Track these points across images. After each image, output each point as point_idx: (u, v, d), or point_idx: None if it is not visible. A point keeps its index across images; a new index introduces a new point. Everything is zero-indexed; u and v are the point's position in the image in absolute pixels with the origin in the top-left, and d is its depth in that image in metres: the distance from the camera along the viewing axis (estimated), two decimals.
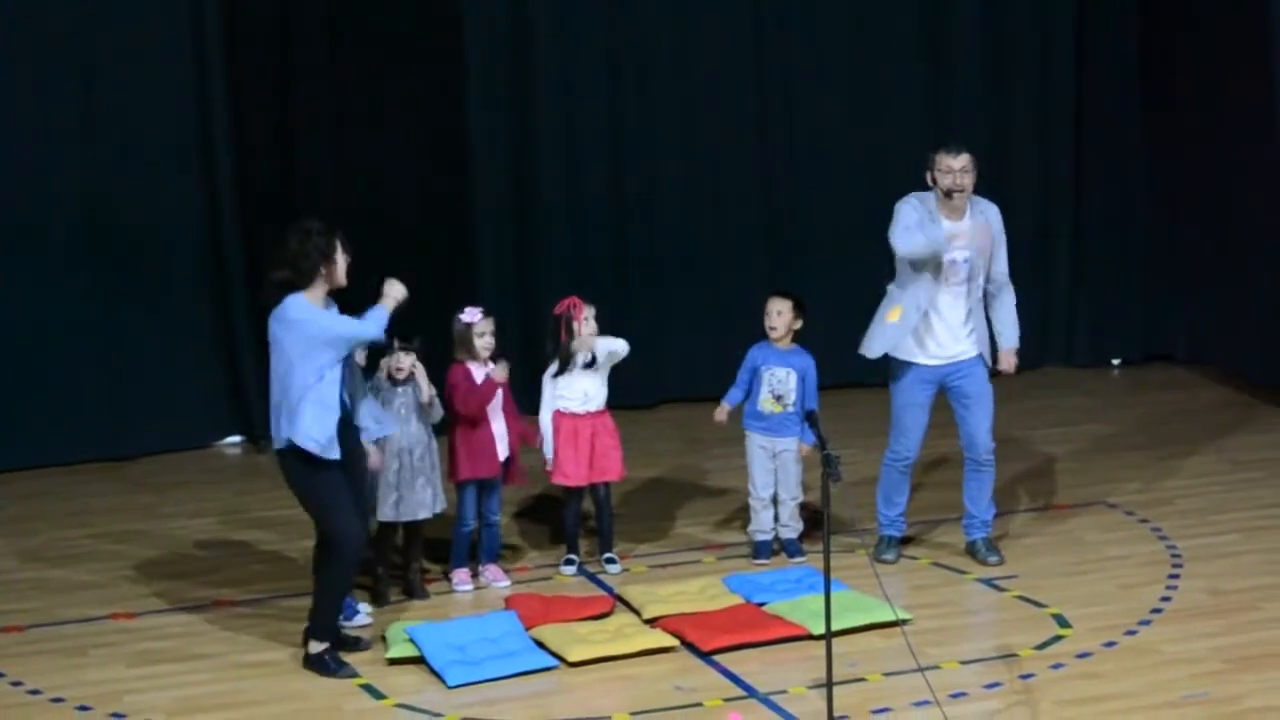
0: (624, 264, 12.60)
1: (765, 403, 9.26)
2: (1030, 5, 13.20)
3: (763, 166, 12.85)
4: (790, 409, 9.24)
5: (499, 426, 9.04)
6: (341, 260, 7.94)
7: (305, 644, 8.11)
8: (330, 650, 8.04)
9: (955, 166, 8.85)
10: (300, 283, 7.86)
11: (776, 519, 9.36)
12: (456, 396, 8.92)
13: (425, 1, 11.94)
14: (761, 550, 9.35)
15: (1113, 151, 13.45)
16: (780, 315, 9.26)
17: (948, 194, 8.86)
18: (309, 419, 7.78)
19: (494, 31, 12.23)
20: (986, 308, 9.10)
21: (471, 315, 8.99)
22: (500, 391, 8.99)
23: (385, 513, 8.79)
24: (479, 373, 8.96)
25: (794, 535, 9.40)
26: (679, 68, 12.58)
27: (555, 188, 12.44)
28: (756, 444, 9.32)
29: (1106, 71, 13.35)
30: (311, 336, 7.80)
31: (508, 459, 9.10)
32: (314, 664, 8.01)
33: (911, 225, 8.80)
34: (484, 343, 8.98)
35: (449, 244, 12.07)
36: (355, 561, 8.11)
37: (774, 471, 9.31)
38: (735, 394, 9.36)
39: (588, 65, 12.40)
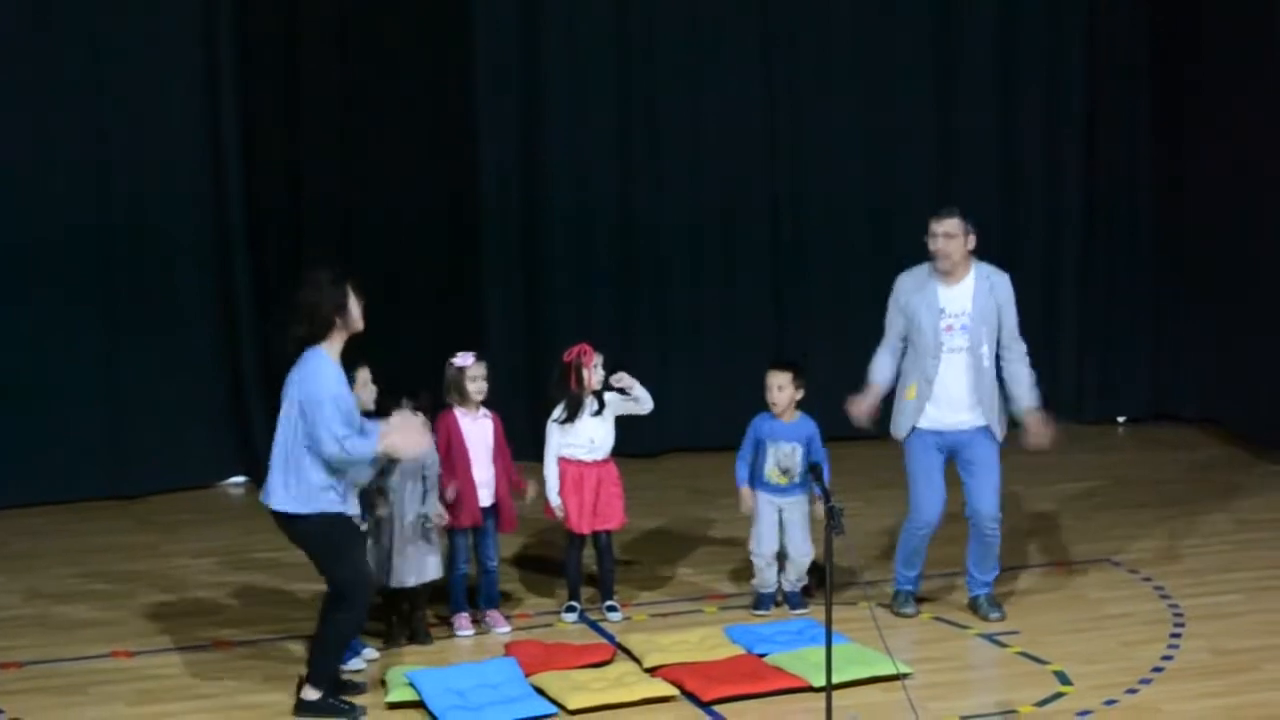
0: (630, 314, 12.62)
1: (771, 475, 9.21)
2: (1041, 52, 13.28)
3: (774, 225, 12.87)
4: (797, 480, 9.20)
5: (482, 474, 8.99)
6: (355, 306, 7.90)
7: (299, 690, 8.06)
8: (329, 695, 7.96)
9: (938, 231, 8.88)
10: (318, 334, 7.83)
11: (781, 571, 9.33)
12: (438, 444, 8.88)
13: (434, 43, 12.03)
14: (763, 602, 9.32)
15: (1120, 209, 13.48)
16: (781, 390, 9.18)
17: (933, 257, 8.89)
18: (317, 474, 7.73)
19: (505, 79, 12.31)
20: (1000, 372, 9.08)
21: (464, 360, 8.97)
22: (491, 440, 8.99)
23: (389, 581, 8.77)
24: (466, 420, 8.95)
25: (797, 588, 9.37)
26: (689, 124, 12.68)
27: (563, 233, 12.48)
28: (764, 499, 9.27)
29: (1118, 130, 13.41)
30: (311, 398, 7.71)
31: (495, 505, 9.05)
32: (309, 710, 7.91)
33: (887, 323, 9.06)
34: (476, 388, 8.97)
35: (456, 288, 12.13)
36: (366, 607, 8.06)
37: (779, 527, 9.27)
38: (743, 471, 9.23)
39: (598, 108, 12.51)
